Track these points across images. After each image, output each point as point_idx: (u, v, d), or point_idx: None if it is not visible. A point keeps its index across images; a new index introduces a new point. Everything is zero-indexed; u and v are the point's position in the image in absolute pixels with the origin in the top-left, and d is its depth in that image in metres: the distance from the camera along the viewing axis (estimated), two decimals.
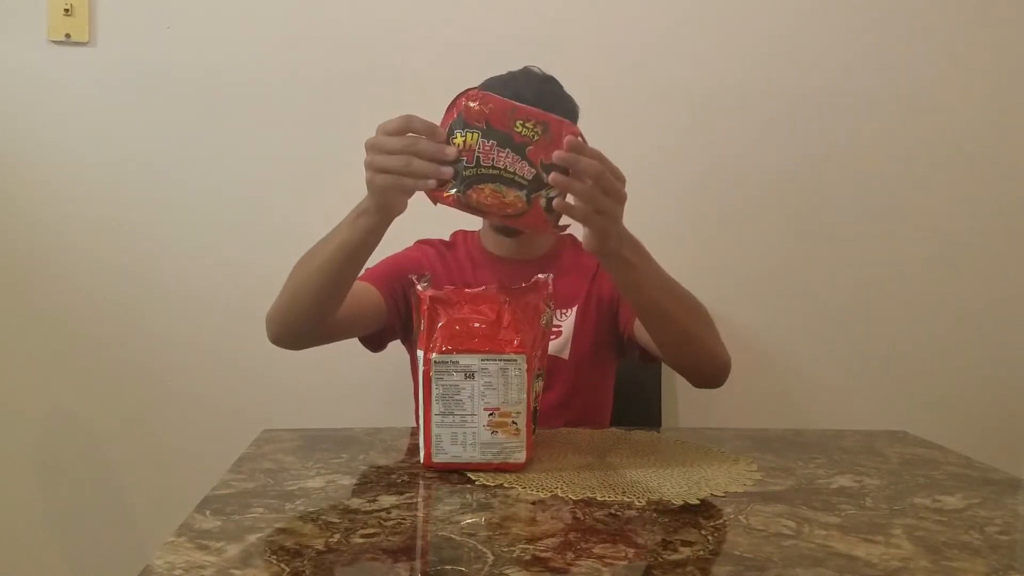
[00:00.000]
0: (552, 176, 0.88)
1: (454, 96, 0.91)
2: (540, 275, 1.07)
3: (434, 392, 0.93)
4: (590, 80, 1.62)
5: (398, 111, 1.68)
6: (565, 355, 1.30)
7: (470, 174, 0.89)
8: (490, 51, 1.35)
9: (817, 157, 1.78)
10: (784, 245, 1.78)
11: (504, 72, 1.29)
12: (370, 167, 0.93)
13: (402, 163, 0.90)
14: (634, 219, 1.80)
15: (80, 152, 1.66)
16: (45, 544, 1.70)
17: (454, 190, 0.89)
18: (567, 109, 1.28)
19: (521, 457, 0.93)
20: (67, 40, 1.64)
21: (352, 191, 1.66)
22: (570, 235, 1.43)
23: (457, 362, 0.93)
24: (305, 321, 1.12)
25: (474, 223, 1.38)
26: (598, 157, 0.90)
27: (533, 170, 0.89)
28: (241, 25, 1.68)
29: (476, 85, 1.29)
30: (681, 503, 0.85)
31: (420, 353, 0.95)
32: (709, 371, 1.15)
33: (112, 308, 1.68)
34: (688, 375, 1.17)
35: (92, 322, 1.68)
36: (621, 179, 0.93)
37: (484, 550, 0.71)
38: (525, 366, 0.93)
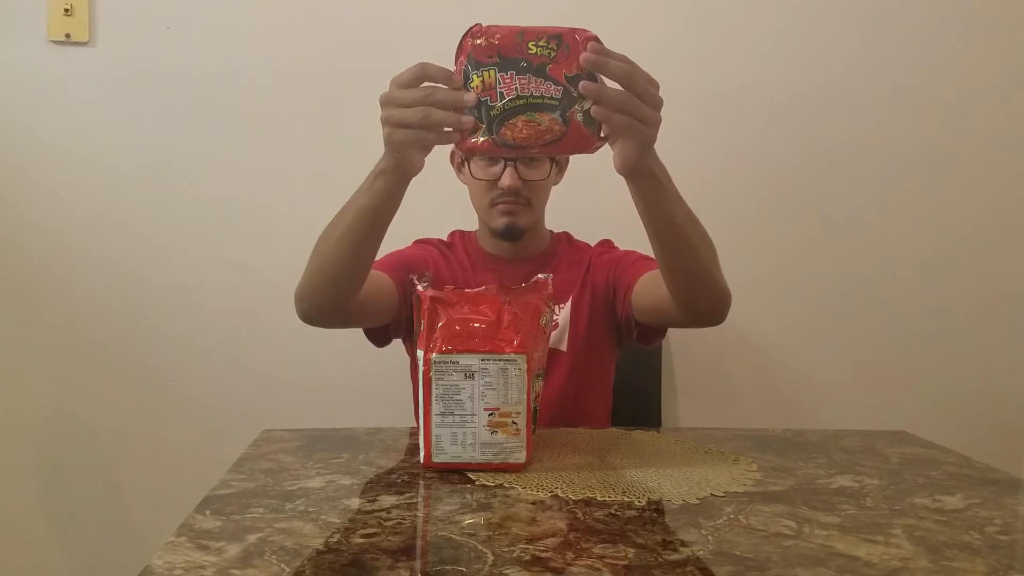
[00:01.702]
0: (582, 84, 0.84)
1: (458, 40, 0.86)
2: (540, 275, 1.07)
3: (434, 392, 0.93)
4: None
5: None
6: (563, 347, 1.31)
7: (497, 112, 0.84)
8: None
9: (817, 157, 1.78)
10: (784, 245, 1.78)
11: None
12: (387, 123, 0.88)
13: (420, 115, 0.85)
14: (635, 219, 1.80)
15: (80, 152, 1.66)
16: (45, 544, 1.70)
17: (486, 135, 0.85)
18: None
19: (521, 457, 0.94)
20: (67, 40, 1.64)
21: (352, 191, 1.66)
22: (565, 232, 1.44)
23: (457, 362, 0.93)
24: (334, 294, 1.08)
25: (471, 223, 1.38)
26: (625, 60, 0.85)
27: (559, 87, 0.84)
28: (241, 25, 1.68)
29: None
30: (681, 503, 0.85)
31: (420, 353, 0.95)
32: (716, 303, 1.09)
33: (112, 308, 1.68)
34: (693, 307, 1.09)
35: (92, 322, 1.68)
36: (654, 84, 0.87)
37: (484, 550, 0.71)
38: (525, 366, 0.93)
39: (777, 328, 1.79)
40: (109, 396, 1.69)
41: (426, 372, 0.93)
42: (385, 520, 0.78)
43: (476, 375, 0.93)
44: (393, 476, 0.94)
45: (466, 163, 1.29)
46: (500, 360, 0.93)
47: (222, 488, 0.88)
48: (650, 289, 1.20)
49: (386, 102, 0.89)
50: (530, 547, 0.71)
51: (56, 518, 1.70)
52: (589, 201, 1.61)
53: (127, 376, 1.69)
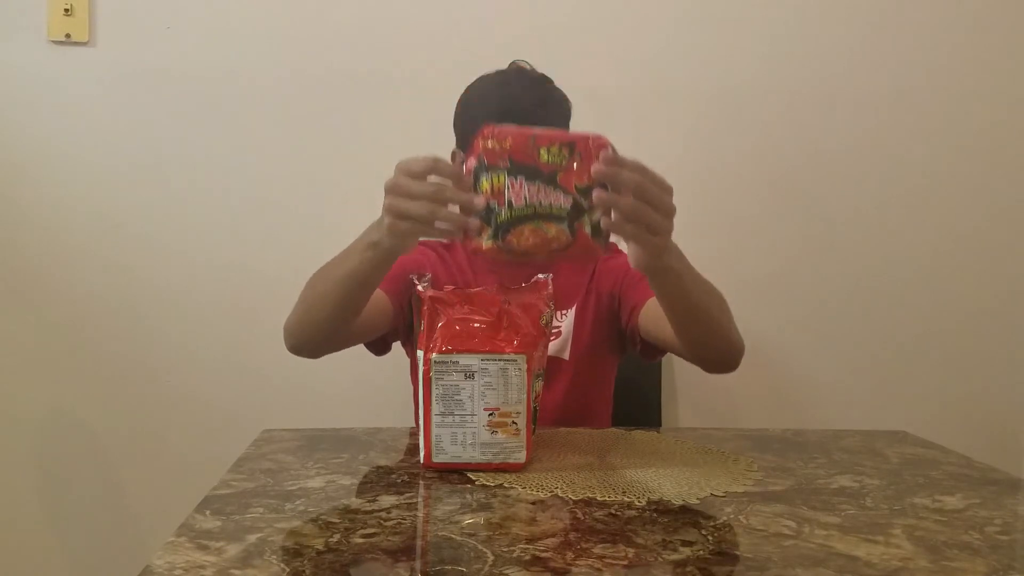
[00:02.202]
0: (595, 194, 0.82)
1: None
2: (540, 275, 1.07)
3: (434, 392, 0.93)
4: (592, 80, 1.62)
5: (398, 111, 1.70)
6: (565, 355, 1.30)
7: (505, 219, 0.82)
8: (491, 51, 1.35)
9: (817, 157, 1.78)
10: (784, 245, 1.78)
11: (493, 71, 1.28)
12: (389, 211, 0.86)
13: (426, 211, 0.83)
14: None
15: (80, 152, 1.66)
16: (45, 544, 1.70)
17: (492, 240, 0.83)
18: (562, 110, 1.28)
19: (521, 457, 0.93)
20: (67, 40, 1.64)
21: (351, 191, 1.66)
22: None
23: (457, 362, 0.93)
24: (321, 336, 1.14)
25: None
26: (638, 168, 0.84)
27: (569, 197, 0.82)
28: (241, 25, 1.68)
29: (469, 84, 1.30)
30: (681, 503, 0.85)
31: (420, 353, 0.95)
32: (726, 357, 1.14)
33: (112, 308, 1.68)
34: (706, 363, 1.15)
35: (92, 322, 1.68)
36: (667, 189, 0.85)
37: (484, 550, 0.71)
38: (525, 366, 0.93)
39: (777, 328, 1.79)
40: (109, 396, 1.69)
41: (426, 372, 0.93)
42: (385, 520, 0.78)
43: (476, 375, 0.93)
44: (393, 476, 0.94)
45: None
46: (500, 360, 0.93)
47: (222, 488, 0.88)
48: (659, 322, 1.20)
49: (392, 189, 0.86)
50: (530, 547, 0.71)
51: (56, 518, 1.70)
52: None
53: (127, 376, 1.69)
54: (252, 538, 0.73)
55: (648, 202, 0.84)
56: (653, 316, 1.22)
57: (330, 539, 0.73)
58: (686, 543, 0.74)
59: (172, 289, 1.69)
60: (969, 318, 1.82)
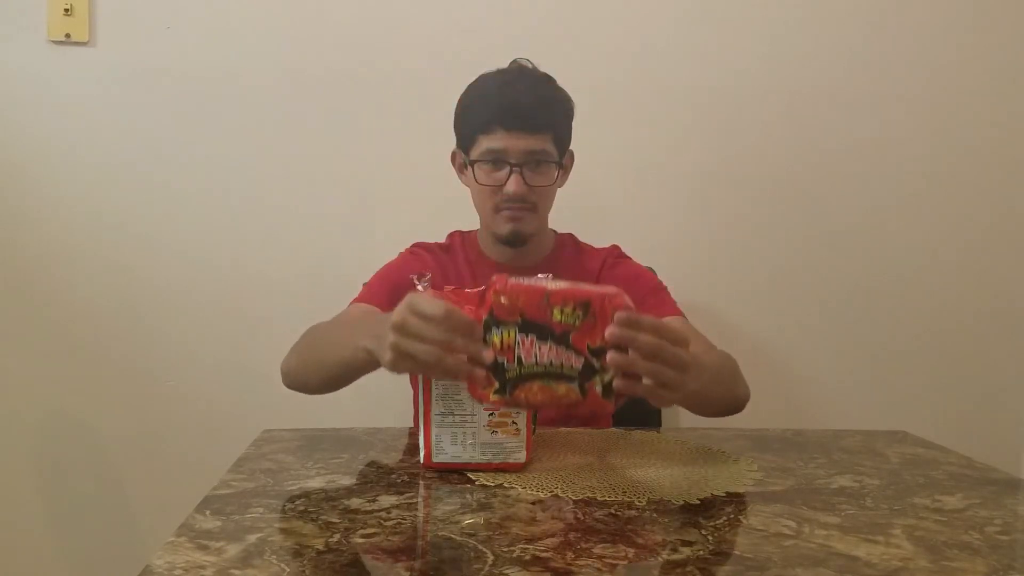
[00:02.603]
0: (610, 357, 0.79)
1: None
2: (540, 275, 1.07)
3: (434, 392, 0.93)
4: (592, 79, 1.62)
5: (399, 111, 1.70)
6: None
7: (514, 375, 0.80)
8: (491, 50, 1.34)
9: (817, 157, 1.78)
10: (784, 245, 1.78)
11: (494, 69, 1.27)
12: (394, 349, 0.83)
13: (432, 357, 0.81)
14: (636, 219, 1.80)
15: (80, 152, 1.66)
16: (45, 544, 1.70)
17: (499, 394, 0.81)
18: (564, 110, 1.27)
19: (521, 457, 0.94)
20: (67, 40, 1.64)
21: (351, 191, 1.65)
22: (569, 235, 1.42)
23: None
24: (316, 391, 1.19)
25: (471, 223, 1.37)
26: (653, 329, 0.81)
27: (581, 358, 0.80)
28: (241, 25, 1.67)
29: (469, 83, 1.29)
30: (681, 503, 0.85)
31: None
32: (733, 412, 1.18)
33: (112, 308, 1.68)
34: (711, 416, 1.18)
35: (92, 322, 1.68)
36: (682, 341, 0.83)
37: (484, 550, 0.71)
38: None
39: (777, 328, 1.79)
40: (109, 396, 1.69)
41: None
42: (385, 520, 0.78)
43: None
44: (393, 476, 0.94)
45: (469, 167, 1.26)
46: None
47: (222, 488, 0.88)
48: None
49: (400, 329, 0.83)
50: (530, 547, 0.71)
51: (56, 518, 1.70)
52: (593, 201, 1.61)
53: (127, 376, 1.69)
54: (252, 538, 0.73)
55: (663, 361, 0.81)
56: None
57: (330, 539, 0.73)
58: (686, 543, 0.74)
59: (172, 289, 1.69)
60: (969, 318, 1.82)
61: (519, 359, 0.80)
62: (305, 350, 1.16)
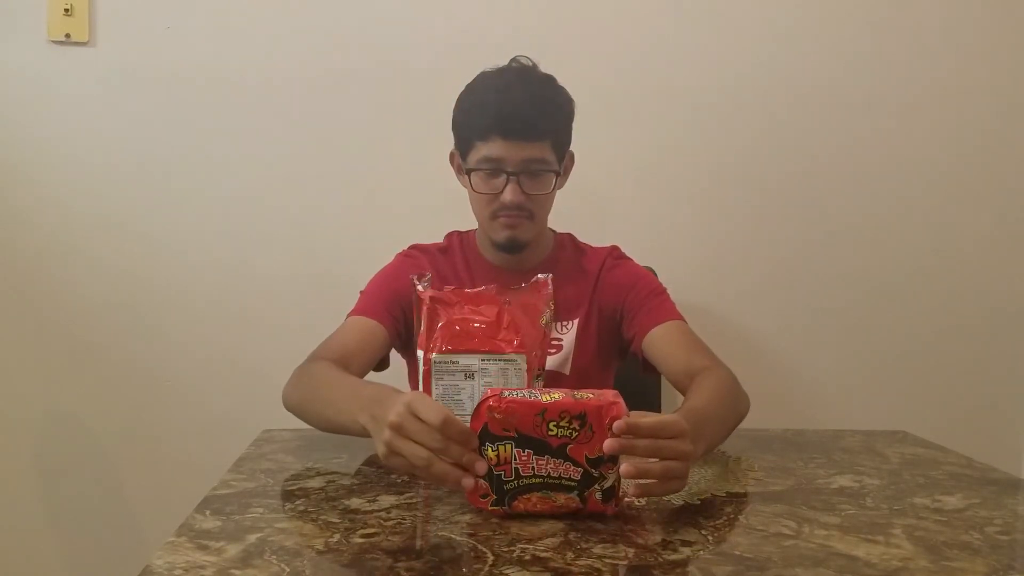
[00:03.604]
0: (624, 471, 0.79)
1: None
2: (540, 275, 1.07)
3: (434, 392, 0.93)
4: (592, 79, 1.62)
5: (399, 111, 1.70)
6: (566, 370, 1.27)
7: (512, 487, 0.80)
8: (491, 50, 1.34)
9: (817, 158, 1.77)
10: (785, 245, 1.78)
11: (493, 68, 1.25)
12: (388, 445, 0.82)
13: (423, 461, 0.80)
14: (636, 219, 1.79)
15: (80, 152, 1.66)
16: (45, 544, 1.69)
17: (498, 505, 0.80)
18: (564, 114, 1.25)
19: None
20: (67, 40, 1.64)
21: (351, 191, 1.65)
22: (569, 235, 1.41)
23: (457, 362, 0.93)
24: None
25: (470, 223, 1.36)
26: (652, 431, 0.81)
27: (579, 469, 0.80)
28: (241, 25, 1.67)
29: (468, 83, 1.28)
30: (681, 503, 0.85)
31: (420, 353, 0.95)
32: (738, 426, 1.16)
33: (112, 308, 1.68)
34: None
35: (92, 322, 1.68)
36: (682, 434, 0.83)
37: (484, 550, 0.71)
38: (525, 366, 0.93)
39: (777, 328, 1.79)
40: (109, 396, 1.69)
41: (426, 372, 0.93)
42: (385, 520, 0.79)
43: (476, 375, 0.93)
44: (393, 476, 0.94)
45: (466, 175, 1.25)
46: (500, 360, 0.93)
47: (222, 488, 0.88)
48: (662, 358, 1.21)
49: (397, 429, 0.81)
50: (530, 547, 0.72)
51: (56, 518, 1.70)
52: (593, 201, 1.61)
53: (127, 376, 1.69)
54: (252, 538, 0.73)
55: (664, 459, 0.81)
56: (657, 353, 1.23)
57: (330, 539, 0.73)
58: (686, 543, 0.74)
59: (172, 289, 1.69)
60: (969, 318, 1.82)
61: (516, 471, 0.79)
62: (306, 398, 1.11)
